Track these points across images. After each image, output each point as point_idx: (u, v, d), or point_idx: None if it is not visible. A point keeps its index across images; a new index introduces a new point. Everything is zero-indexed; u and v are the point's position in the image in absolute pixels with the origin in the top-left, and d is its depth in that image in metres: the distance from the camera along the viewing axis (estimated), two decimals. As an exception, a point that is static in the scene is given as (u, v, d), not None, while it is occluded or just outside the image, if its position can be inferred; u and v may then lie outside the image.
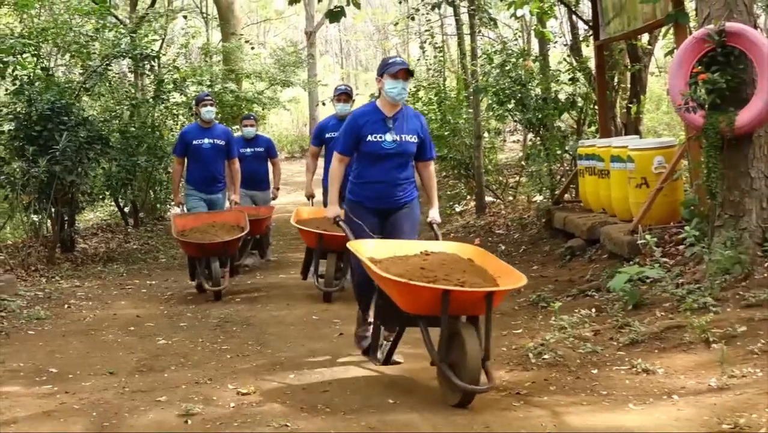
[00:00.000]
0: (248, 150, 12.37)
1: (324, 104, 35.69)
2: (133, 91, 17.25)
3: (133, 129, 15.45)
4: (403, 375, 6.47)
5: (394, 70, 6.95)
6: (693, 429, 4.91)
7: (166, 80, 16.47)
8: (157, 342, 7.94)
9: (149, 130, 15.80)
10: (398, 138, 6.97)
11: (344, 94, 10.48)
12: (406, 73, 6.96)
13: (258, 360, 7.09)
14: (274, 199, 12.92)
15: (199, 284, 10.21)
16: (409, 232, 7.08)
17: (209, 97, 11.24)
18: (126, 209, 16.23)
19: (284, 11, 35.12)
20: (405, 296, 5.84)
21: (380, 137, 6.93)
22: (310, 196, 10.97)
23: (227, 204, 11.18)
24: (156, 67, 16.65)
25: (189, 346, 7.74)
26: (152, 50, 16.15)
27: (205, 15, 28.84)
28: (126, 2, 21.69)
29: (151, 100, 16.35)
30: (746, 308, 6.97)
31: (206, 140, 10.86)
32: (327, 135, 10.31)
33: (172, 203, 12.31)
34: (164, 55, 17.82)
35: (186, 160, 10.97)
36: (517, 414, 5.38)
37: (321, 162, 10.66)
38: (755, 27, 8.70)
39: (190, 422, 5.48)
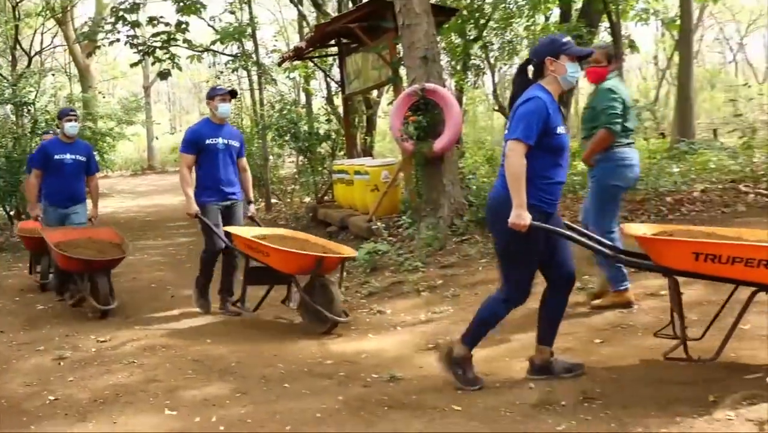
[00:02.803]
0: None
1: (157, 138, 34.83)
2: (15, 128, 16.07)
3: (15, 155, 14.35)
4: (220, 324, 6.34)
5: (578, 52, 3.90)
6: (410, 349, 5.07)
7: (39, 120, 15.44)
8: (36, 308, 7.43)
9: (28, 156, 14.78)
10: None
11: (229, 94, 6.58)
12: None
13: (112, 317, 6.74)
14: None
15: (80, 298, 7.03)
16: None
17: (74, 112, 7.59)
18: (11, 213, 15.10)
19: (127, 72, 33.54)
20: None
21: (563, 130, 3.89)
22: (196, 214, 6.36)
23: (88, 221, 7.56)
24: (32, 111, 15.71)
25: (60, 310, 7.26)
26: (29, 99, 15.52)
27: (68, 73, 27.64)
28: (8, 63, 20.27)
29: (29, 134, 15.30)
30: (442, 269, 7.26)
31: (68, 156, 7.38)
32: (207, 141, 6.43)
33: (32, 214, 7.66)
34: (38, 102, 16.69)
35: (44, 174, 7.43)
36: (295, 346, 5.39)
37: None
38: (444, 86, 9.08)
39: (62, 363, 5.20)
